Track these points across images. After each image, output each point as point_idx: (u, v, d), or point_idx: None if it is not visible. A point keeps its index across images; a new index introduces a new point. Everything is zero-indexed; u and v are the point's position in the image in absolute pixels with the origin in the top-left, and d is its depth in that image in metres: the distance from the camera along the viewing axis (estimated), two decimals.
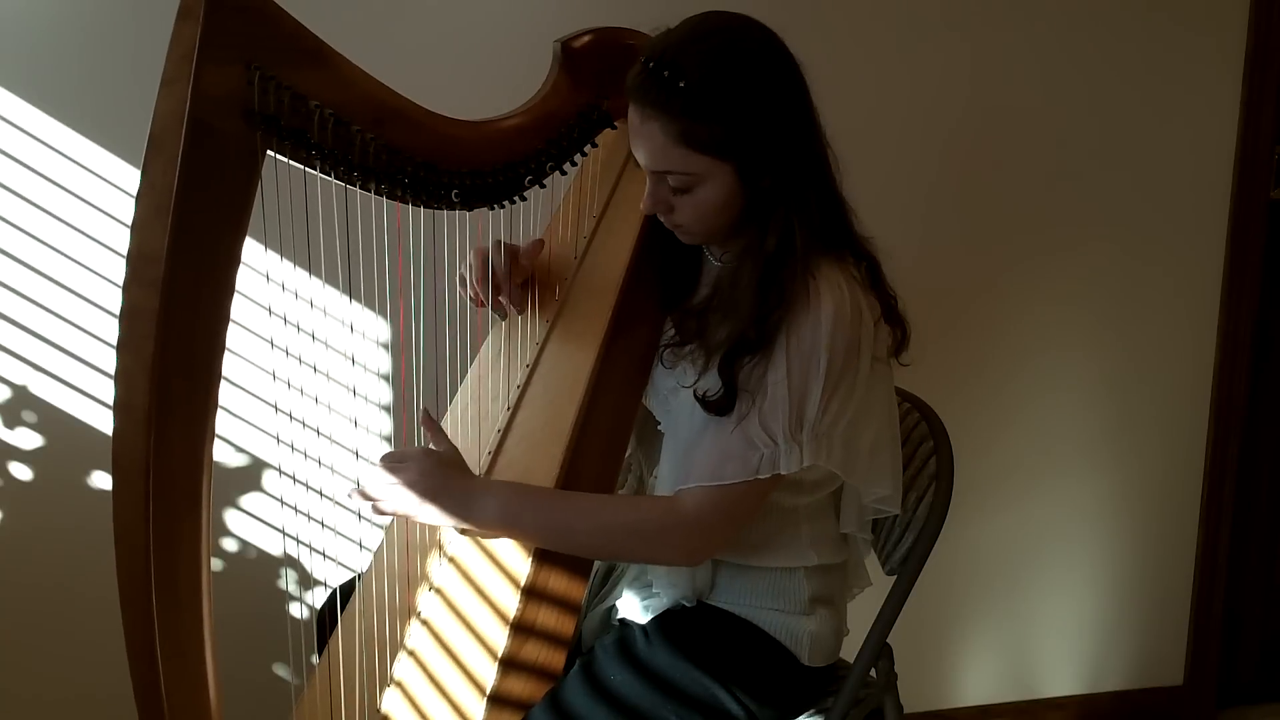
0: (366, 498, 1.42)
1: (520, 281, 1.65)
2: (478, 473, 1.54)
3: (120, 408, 1.11)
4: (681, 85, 1.34)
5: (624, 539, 1.44)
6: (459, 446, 1.60)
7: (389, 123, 1.23)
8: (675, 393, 1.50)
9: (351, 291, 1.98)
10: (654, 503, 1.46)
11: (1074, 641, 2.64)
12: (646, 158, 1.41)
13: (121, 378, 1.11)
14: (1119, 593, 2.62)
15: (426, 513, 1.40)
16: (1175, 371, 2.54)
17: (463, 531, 1.46)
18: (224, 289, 1.13)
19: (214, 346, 1.14)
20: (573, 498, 1.45)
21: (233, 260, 1.13)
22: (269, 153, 1.14)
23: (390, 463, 1.42)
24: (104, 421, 2.05)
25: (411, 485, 1.39)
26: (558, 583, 1.44)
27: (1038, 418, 2.49)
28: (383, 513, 1.42)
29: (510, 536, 1.44)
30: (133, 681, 1.16)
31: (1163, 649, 2.68)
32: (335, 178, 1.22)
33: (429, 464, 1.41)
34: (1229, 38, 2.41)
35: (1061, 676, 2.65)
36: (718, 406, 1.40)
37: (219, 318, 1.13)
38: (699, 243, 1.52)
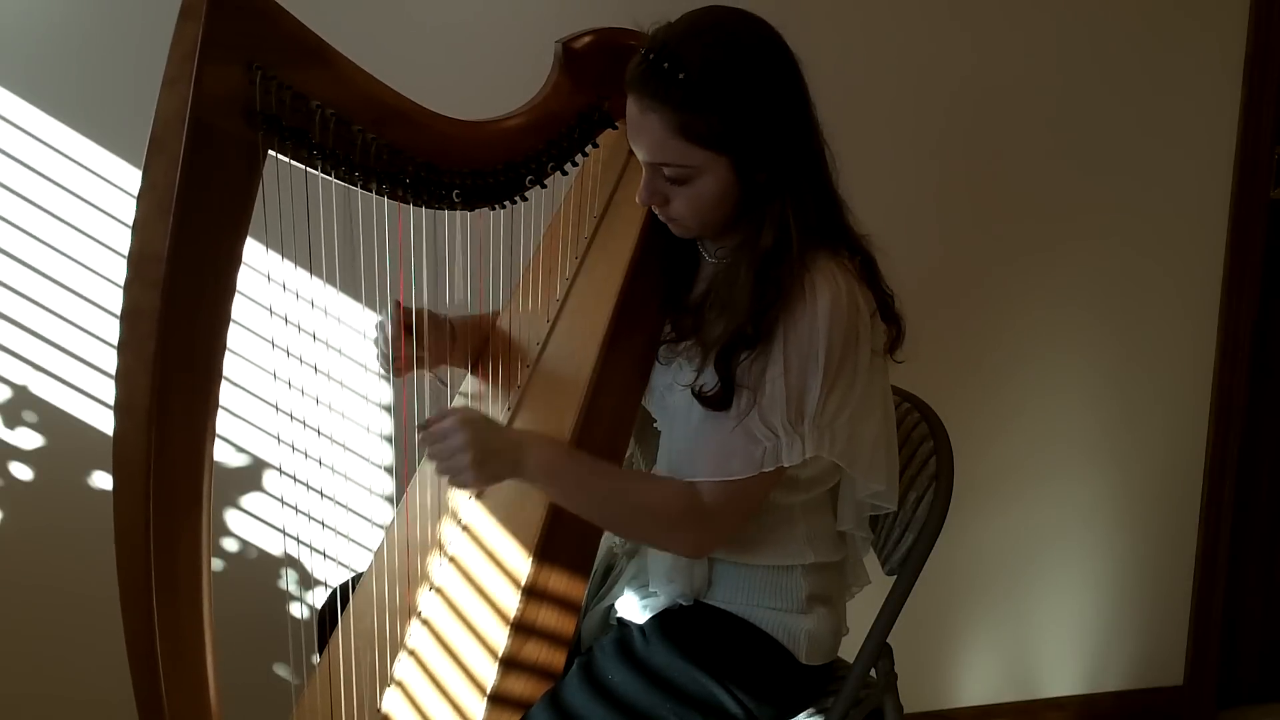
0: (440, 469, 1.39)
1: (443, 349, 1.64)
2: None
3: (121, 408, 1.11)
4: (681, 77, 1.35)
5: (645, 519, 1.44)
6: None
7: (390, 123, 1.22)
8: (671, 390, 1.50)
9: (353, 292, 1.98)
10: (677, 490, 1.43)
11: (1074, 641, 2.64)
12: (644, 150, 1.42)
13: (122, 378, 1.10)
14: (1119, 593, 2.63)
15: (476, 477, 1.37)
16: (1175, 371, 2.55)
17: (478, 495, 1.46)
18: (225, 289, 1.13)
19: (215, 346, 1.14)
20: (609, 470, 1.45)
21: (234, 260, 1.13)
22: (270, 153, 1.14)
23: (435, 431, 1.38)
24: (104, 421, 2.05)
25: (462, 451, 1.35)
26: (558, 582, 1.44)
27: (1037, 418, 2.49)
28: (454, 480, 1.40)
29: (554, 493, 1.43)
30: (133, 682, 1.16)
31: (1163, 649, 2.69)
32: (336, 178, 1.22)
33: (470, 432, 1.36)
34: (1229, 38, 2.41)
35: (1061, 676, 2.65)
36: (715, 401, 1.41)
37: (220, 317, 1.13)
38: (693, 236, 1.52)
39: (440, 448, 1.37)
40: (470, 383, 1.69)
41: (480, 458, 1.35)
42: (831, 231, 1.45)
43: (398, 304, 1.57)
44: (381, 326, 1.60)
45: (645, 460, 1.66)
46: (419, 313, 1.59)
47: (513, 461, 1.38)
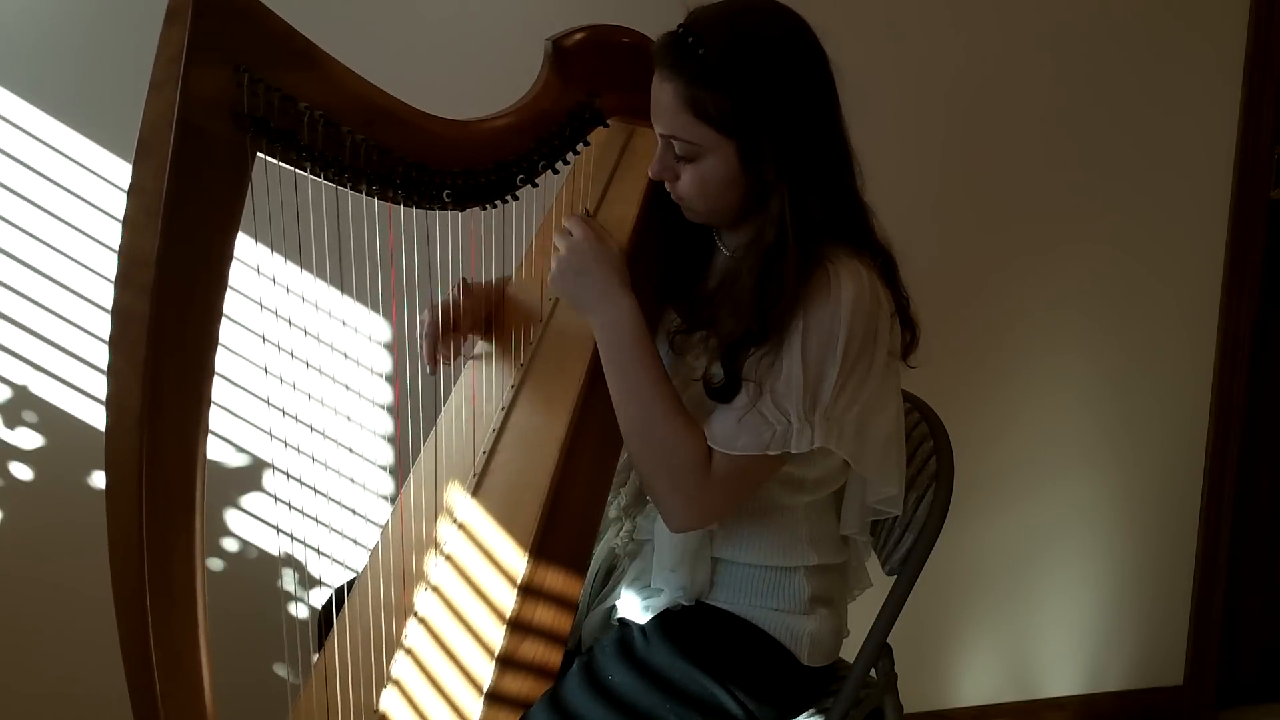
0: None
1: (472, 326, 1.69)
2: (472, 475, 1.55)
3: (112, 405, 1.12)
4: (700, 53, 1.36)
5: (665, 447, 1.43)
6: (455, 447, 1.61)
7: (379, 123, 1.22)
8: (685, 384, 1.50)
9: (353, 292, 1.99)
10: (702, 444, 1.42)
11: (1074, 641, 2.64)
12: (658, 121, 1.43)
13: (113, 375, 1.11)
14: (1119, 593, 2.62)
15: (561, 286, 1.51)
16: (1175, 371, 2.54)
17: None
18: (215, 293, 1.12)
19: (205, 350, 1.13)
20: (665, 382, 1.45)
21: (224, 264, 1.12)
22: (259, 155, 1.14)
23: (570, 223, 1.51)
24: (104, 422, 2.05)
25: (568, 252, 1.48)
26: (554, 580, 1.44)
27: (1038, 418, 2.49)
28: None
29: (604, 356, 1.47)
30: (128, 685, 1.16)
31: (1163, 649, 2.68)
32: (326, 179, 1.21)
33: (585, 246, 1.48)
34: (1229, 38, 2.40)
35: (1061, 676, 2.65)
36: (720, 393, 1.42)
37: (210, 322, 1.13)
38: (702, 221, 1.53)
39: (560, 237, 1.50)
40: (466, 374, 1.70)
41: (571, 274, 1.48)
42: (851, 232, 1.45)
43: (441, 305, 1.61)
44: (428, 323, 1.64)
45: None
46: (461, 298, 1.64)
47: (595, 300, 1.47)
